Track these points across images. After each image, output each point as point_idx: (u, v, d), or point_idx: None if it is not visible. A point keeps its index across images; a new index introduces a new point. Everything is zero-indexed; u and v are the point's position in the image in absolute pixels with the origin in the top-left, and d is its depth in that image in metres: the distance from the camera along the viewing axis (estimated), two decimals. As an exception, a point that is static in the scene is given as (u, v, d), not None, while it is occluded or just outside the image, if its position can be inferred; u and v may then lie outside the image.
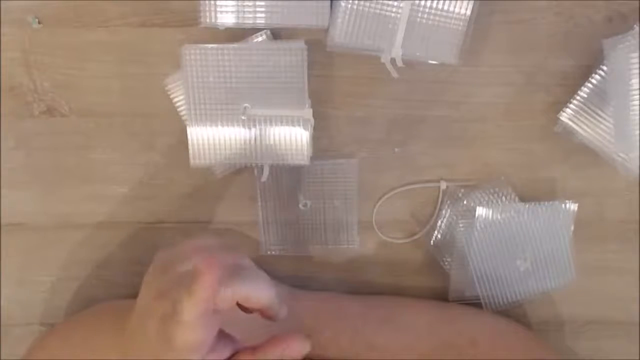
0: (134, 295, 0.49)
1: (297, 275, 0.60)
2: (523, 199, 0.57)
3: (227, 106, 0.51)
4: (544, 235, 0.56)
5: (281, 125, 0.52)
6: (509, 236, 0.55)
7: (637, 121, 0.50)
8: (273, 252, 0.59)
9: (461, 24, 0.51)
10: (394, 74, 0.52)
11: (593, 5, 0.53)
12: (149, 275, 0.42)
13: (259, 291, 0.41)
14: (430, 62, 0.52)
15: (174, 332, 0.38)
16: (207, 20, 0.51)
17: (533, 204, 0.55)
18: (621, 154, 0.52)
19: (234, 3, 0.51)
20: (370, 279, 0.61)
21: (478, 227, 0.55)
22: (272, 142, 0.52)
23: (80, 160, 0.57)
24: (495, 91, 0.55)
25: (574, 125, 0.54)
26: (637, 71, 0.50)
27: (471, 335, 0.55)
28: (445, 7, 0.50)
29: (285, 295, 0.57)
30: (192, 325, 0.38)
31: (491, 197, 0.57)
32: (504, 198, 0.57)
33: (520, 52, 0.54)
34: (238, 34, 0.52)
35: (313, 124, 0.52)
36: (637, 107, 0.50)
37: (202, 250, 0.42)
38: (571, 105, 0.53)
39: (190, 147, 0.52)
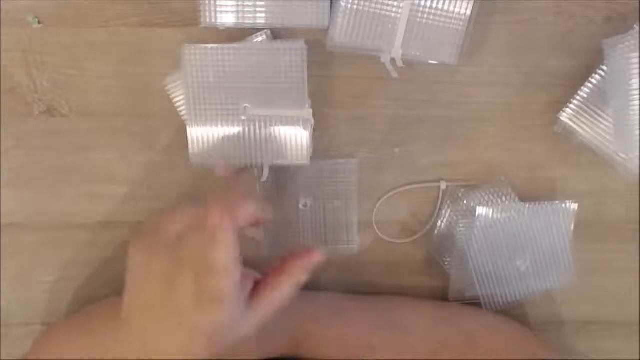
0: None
1: (297, 275, 0.60)
2: (523, 199, 0.57)
3: (227, 106, 0.51)
4: (544, 235, 0.56)
5: (281, 125, 0.52)
6: (509, 236, 0.55)
7: (637, 121, 0.50)
8: (273, 252, 0.59)
9: (461, 24, 0.51)
10: (394, 74, 0.52)
11: (593, 5, 0.53)
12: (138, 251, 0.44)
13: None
14: (430, 62, 0.52)
15: (211, 257, 0.40)
16: (207, 20, 0.51)
17: (533, 204, 0.55)
18: (621, 154, 0.52)
19: (234, 3, 0.51)
20: (370, 279, 0.61)
21: (478, 227, 0.55)
22: (272, 142, 0.52)
23: (80, 160, 0.57)
24: (495, 91, 0.55)
25: (574, 125, 0.54)
26: (637, 71, 0.50)
27: (471, 335, 0.55)
28: (445, 7, 0.50)
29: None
30: (227, 245, 0.41)
31: (491, 197, 0.57)
32: (504, 198, 0.57)
33: (520, 52, 0.54)
34: (238, 34, 0.52)
35: (313, 124, 0.52)
36: (637, 107, 0.50)
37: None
38: (571, 105, 0.53)
39: (190, 147, 0.52)
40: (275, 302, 0.45)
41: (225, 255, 0.41)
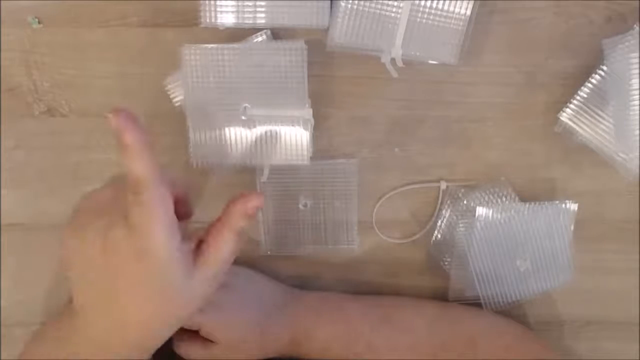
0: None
1: (297, 275, 0.60)
2: (523, 199, 0.57)
3: (227, 106, 0.51)
4: (544, 235, 0.56)
5: (281, 125, 0.52)
6: (509, 236, 0.55)
7: (637, 121, 0.50)
8: (273, 252, 0.59)
9: (461, 24, 0.51)
10: (394, 74, 0.52)
11: (593, 5, 0.53)
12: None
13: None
14: (430, 62, 0.52)
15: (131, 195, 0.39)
16: (207, 20, 0.51)
17: (533, 204, 0.55)
18: (621, 154, 0.52)
19: (234, 3, 0.51)
20: (370, 279, 0.61)
21: (478, 227, 0.55)
22: (272, 142, 0.52)
23: (80, 160, 0.57)
24: (495, 91, 0.55)
25: (574, 125, 0.54)
26: (637, 71, 0.50)
27: (471, 335, 0.55)
28: (445, 7, 0.50)
29: (285, 295, 0.57)
30: (141, 153, 0.39)
31: (491, 197, 0.57)
32: (504, 198, 0.57)
33: (520, 52, 0.54)
34: (238, 34, 0.52)
35: (313, 124, 0.52)
36: (637, 107, 0.50)
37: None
38: (571, 105, 0.53)
39: (190, 147, 0.52)
40: (221, 255, 0.42)
41: (141, 163, 0.38)
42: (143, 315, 0.41)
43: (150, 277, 0.40)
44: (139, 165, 0.39)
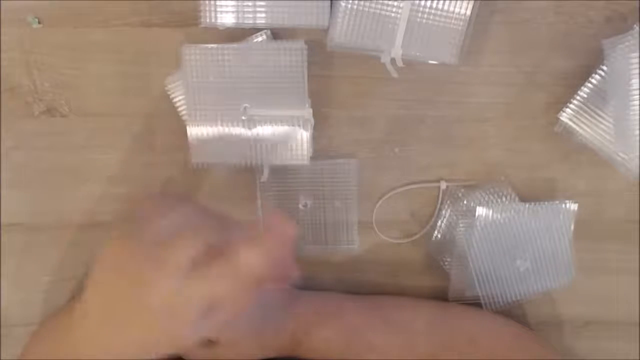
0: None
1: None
2: (523, 199, 0.57)
3: (227, 106, 0.51)
4: (544, 235, 0.56)
5: (281, 125, 0.52)
6: (509, 236, 0.55)
7: (637, 121, 0.50)
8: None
9: (461, 24, 0.51)
10: (394, 74, 0.52)
11: (593, 5, 0.53)
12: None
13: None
14: (430, 62, 0.52)
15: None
16: (207, 20, 0.51)
17: (533, 204, 0.55)
18: (621, 154, 0.52)
19: (234, 3, 0.51)
20: (370, 279, 0.61)
21: (478, 227, 0.55)
22: (272, 142, 0.52)
23: (80, 160, 0.57)
24: (495, 91, 0.55)
25: (574, 125, 0.54)
26: (637, 71, 0.50)
27: (471, 335, 0.55)
28: (445, 7, 0.50)
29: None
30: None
31: (491, 197, 0.57)
32: (504, 198, 0.57)
33: (520, 52, 0.54)
34: (238, 34, 0.52)
35: (313, 124, 0.52)
36: (637, 107, 0.50)
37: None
38: (571, 105, 0.53)
39: (190, 147, 0.52)
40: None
41: (266, 265, 0.39)
42: (146, 340, 0.41)
43: (171, 324, 0.40)
44: (263, 265, 0.39)
